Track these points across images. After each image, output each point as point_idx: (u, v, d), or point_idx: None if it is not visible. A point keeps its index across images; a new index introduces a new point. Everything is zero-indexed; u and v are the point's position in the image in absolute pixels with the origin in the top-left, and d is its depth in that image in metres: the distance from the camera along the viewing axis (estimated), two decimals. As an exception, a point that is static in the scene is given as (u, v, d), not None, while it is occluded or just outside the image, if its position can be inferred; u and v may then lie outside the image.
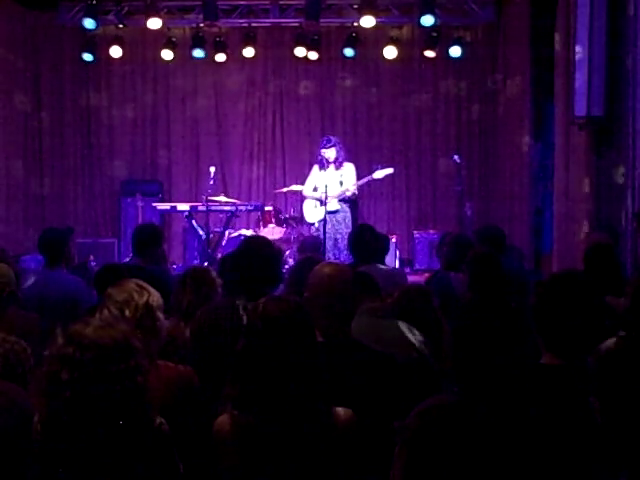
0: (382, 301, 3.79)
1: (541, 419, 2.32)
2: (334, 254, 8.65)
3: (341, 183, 8.93)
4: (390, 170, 9.23)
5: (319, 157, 9.16)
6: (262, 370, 2.40)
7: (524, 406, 2.35)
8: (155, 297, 2.95)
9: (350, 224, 9.08)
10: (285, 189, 10.36)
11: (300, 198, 9.78)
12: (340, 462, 2.42)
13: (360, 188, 9.66)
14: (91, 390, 2.20)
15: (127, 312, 2.83)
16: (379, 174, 9.16)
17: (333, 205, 8.83)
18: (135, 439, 2.26)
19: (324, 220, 8.73)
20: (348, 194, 8.99)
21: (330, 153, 9.01)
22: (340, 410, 2.46)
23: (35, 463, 2.29)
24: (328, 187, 8.67)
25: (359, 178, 9.23)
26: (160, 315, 2.95)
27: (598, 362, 2.92)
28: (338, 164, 9.04)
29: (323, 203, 8.86)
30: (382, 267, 5.44)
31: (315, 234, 9.08)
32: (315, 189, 9.17)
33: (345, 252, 8.84)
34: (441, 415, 1.92)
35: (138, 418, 2.27)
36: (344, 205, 9.03)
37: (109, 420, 2.22)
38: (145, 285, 2.97)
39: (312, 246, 6.64)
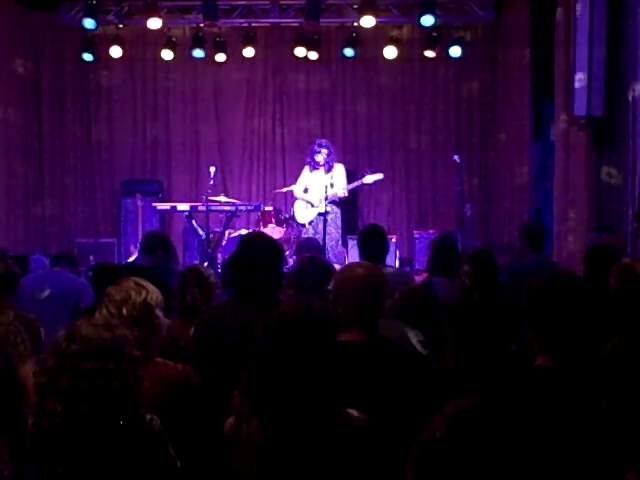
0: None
1: (539, 422, 2.30)
2: (326, 254, 8.67)
3: (332, 185, 8.99)
4: (380, 176, 9.28)
5: (309, 159, 9.23)
6: (276, 373, 2.38)
7: (522, 409, 2.33)
8: (154, 295, 2.96)
9: (339, 224, 9.21)
10: (285, 189, 10.37)
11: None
12: (352, 465, 2.40)
13: (358, 188, 9.71)
14: (68, 382, 2.25)
15: (125, 311, 2.85)
16: (369, 179, 9.23)
17: (323, 207, 8.89)
18: (122, 436, 2.28)
19: (324, 221, 8.78)
20: (340, 195, 9.09)
21: (322, 156, 9.09)
22: (354, 412, 2.44)
23: (31, 461, 2.31)
24: (318, 190, 8.78)
25: (354, 180, 9.27)
26: (159, 312, 2.97)
27: (601, 362, 2.91)
28: (328, 167, 9.14)
29: (313, 205, 9.03)
30: (390, 267, 5.43)
31: (306, 235, 9.13)
32: (306, 190, 9.23)
33: (334, 251, 8.92)
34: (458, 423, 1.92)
35: (123, 416, 2.28)
36: (333, 206, 9.13)
37: (90, 415, 2.25)
38: (143, 283, 2.98)
39: (310, 247, 6.63)
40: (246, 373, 2.44)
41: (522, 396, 2.36)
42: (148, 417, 2.35)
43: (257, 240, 3.68)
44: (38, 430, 2.30)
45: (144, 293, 2.92)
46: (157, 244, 5.81)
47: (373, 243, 5.21)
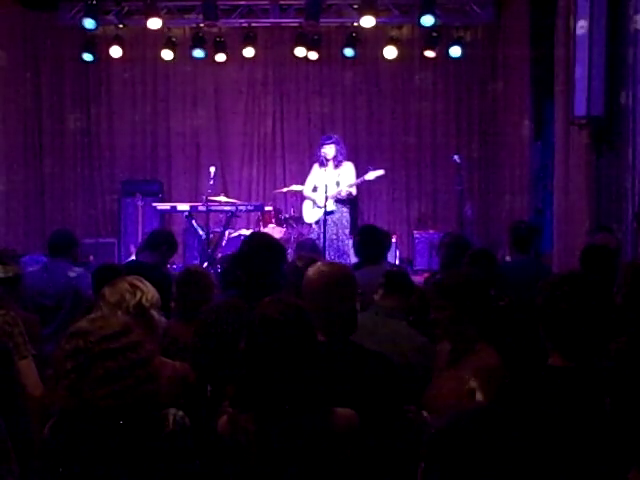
0: (409, 301, 3.77)
1: (557, 423, 2.29)
2: (329, 254, 8.61)
3: (337, 183, 8.91)
4: (381, 172, 9.14)
5: (318, 154, 9.14)
6: (261, 371, 2.41)
7: (539, 411, 2.32)
8: (149, 295, 2.94)
9: (348, 224, 9.03)
10: (285, 189, 10.36)
11: (300, 198, 9.78)
12: (341, 462, 2.42)
13: (359, 188, 9.66)
14: (97, 368, 2.19)
15: (119, 314, 2.83)
16: (371, 175, 9.07)
17: (329, 206, 8.76)
18: (153, 431, 2.25)
19: (324, 221, 8.72)
20: (343, 194, 8.92)
21: (330, 150, 8.96)
22: (340, 410, 2.46)
23: (45, 465, 2.29)
24: (326, 187, 8.67)
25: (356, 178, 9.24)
26: (155, 313, 2.94)
27: (608, 361, 2.91)
28: (337, 162, 8.98)
29: (318, 204, 8.88)
30: (388, 267, 5.43)
31: (311, 235, 9.08)
32: (315, 189, 9.13)
33: (338, 252, 8.85)
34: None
35: (150, 396, 2.25)
36: (340, 206, 8.95)
37: (119, 401, 2.20)
38: (138, 283, 2.95)
39: (309, 248, 6.64)
40: (233, 385, 2.45)
41: (535, 396, 2.35)
42: (180, 413, 2.33)
43: (260, 240, 3.70)
44: (63, 438, 2.24)
45: (139, 294, 2.89)
46: (162, 241, 5.82)
47: (367, 244, 5.25)
